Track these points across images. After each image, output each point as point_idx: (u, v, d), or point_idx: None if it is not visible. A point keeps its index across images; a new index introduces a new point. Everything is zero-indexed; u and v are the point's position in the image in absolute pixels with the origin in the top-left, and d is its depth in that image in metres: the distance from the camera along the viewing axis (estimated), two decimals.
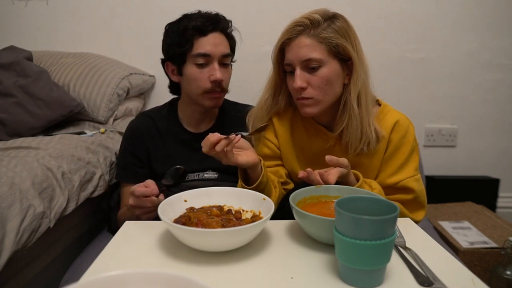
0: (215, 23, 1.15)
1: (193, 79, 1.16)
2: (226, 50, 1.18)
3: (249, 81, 1.92)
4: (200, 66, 1.15)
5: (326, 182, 0.88)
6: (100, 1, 1.91)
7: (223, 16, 1.20)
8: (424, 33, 1.97)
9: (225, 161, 0.93)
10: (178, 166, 1.05)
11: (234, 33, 1.24)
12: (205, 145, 0.92)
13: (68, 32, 1.95)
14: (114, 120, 1.68)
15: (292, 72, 1.00)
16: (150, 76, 1.88)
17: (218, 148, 0.91)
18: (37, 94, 1.48)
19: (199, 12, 1.19)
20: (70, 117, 1.55)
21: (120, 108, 1.71)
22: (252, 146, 1.09)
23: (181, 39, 1.14)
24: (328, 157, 0.91)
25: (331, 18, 0.98)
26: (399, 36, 1.96)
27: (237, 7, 1.91)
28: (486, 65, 2.01)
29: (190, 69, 1.16)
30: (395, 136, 1.04)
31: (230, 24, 1.21)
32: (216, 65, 1.15)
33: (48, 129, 1.51)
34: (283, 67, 1.03)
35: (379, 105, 1.09)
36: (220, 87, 1.17)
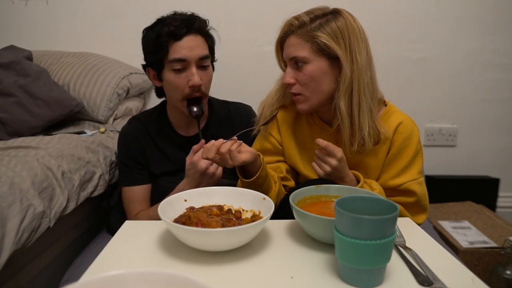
0: (189, 25, 1.12)
1: (172, 85, 1.14)
2: (203, 52, 1.14)
3: (249, 80, 1.94)
4: (177, 71, 1.12)
5: (331, 153, 0.94)
6: (100, 1, 1.91)
7: (198, 16, 1.16)
8: (424, 33, 1.97)
9: (230, 163, 0.93)
10: None
11: (212, 32, 1.20)
12: (211, 150, 0.93)
13: (68, 32, 1.95)
14: (114, 119, 1.68)
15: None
16: None
17: (223, 149, 0.92)
18: (37, 94, 1.48)
19: (174, 14, 1.15)
20: (70, 116, 1.55)
21: (120, 108, 1.71)
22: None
23: (156, 45, 1.12)
24: (318, 139, 0.96)
25: (327, 15, 0.99)
26: (399, 36, 1.96)
27: (237, 7, 1.91)
28: (486, 65, 2.01)
29: (168, 75, 1.13)
30: (398, 137, 1.04)
31: (207, 24, 1.17)
32: (193, 69, 1.12)
33: (48, 128, 1.51)
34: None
35: (386, 105, 1.09)
36: (199, 91, 1.14)
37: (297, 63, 1.00)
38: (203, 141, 1.06)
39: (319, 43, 0.97)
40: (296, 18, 1.00)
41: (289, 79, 1.02)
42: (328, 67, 0.99)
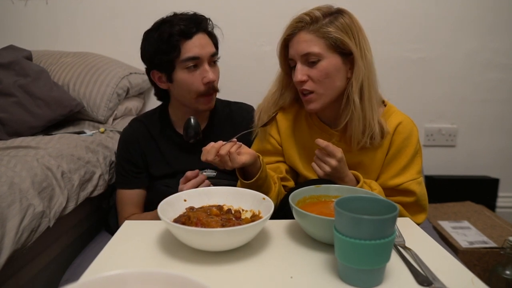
0: (198, 24, 1.14)
1: (186, 84, 1.14)
2: (213, 49, 1.16)
3: (249, 80, 1.94)
4: (190, 70, 1.13)
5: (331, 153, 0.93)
6: (100, 1, 1.91)
7: (202, 15, 1.18)
8: (424, 33, 1.97)
9: (229, 165, 0.93)
10: (189, 118, 1.09)
11: (215, 30, 1.22)
12: (210, 152, 0.92)
13: (68, 32, 1.95)
14: (114, 119, 1.68)
15: (295, 67, 1.02)
16: None
17: (222, 151, 0.91)
18: (37, 94, 1.48)
19: (176, 14, 1.16)
20: (70, 116, 1.55)
21: (120, 108, 1.71)
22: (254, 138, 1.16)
23: (167, 46, 1.11)
24: (318, 140, 0.95)
25: (334, 13, 0.99)
26: (399, 36, 1.96)
27: (237, 7, 1.91)
28: (486, 65, 2.02)
29: (181, 74, 1.14)
30: (397, 137, 1.04)
31: (210, 22, 1.19)
32: (207, 66, 1.14)
33: (48, 128, 1.51)
34: (288, 62, 1.05)
35: (385, 105, 1.09)
36: (213, 88, 1.16)
37: (309, 60, 0.99)
38: (197, 171, 1.04)
39: (334, 39, 0.97)
40: (307, 14, 0.99)
41: (301, 77, 1.00)
42: (341, 63, 0.99)
